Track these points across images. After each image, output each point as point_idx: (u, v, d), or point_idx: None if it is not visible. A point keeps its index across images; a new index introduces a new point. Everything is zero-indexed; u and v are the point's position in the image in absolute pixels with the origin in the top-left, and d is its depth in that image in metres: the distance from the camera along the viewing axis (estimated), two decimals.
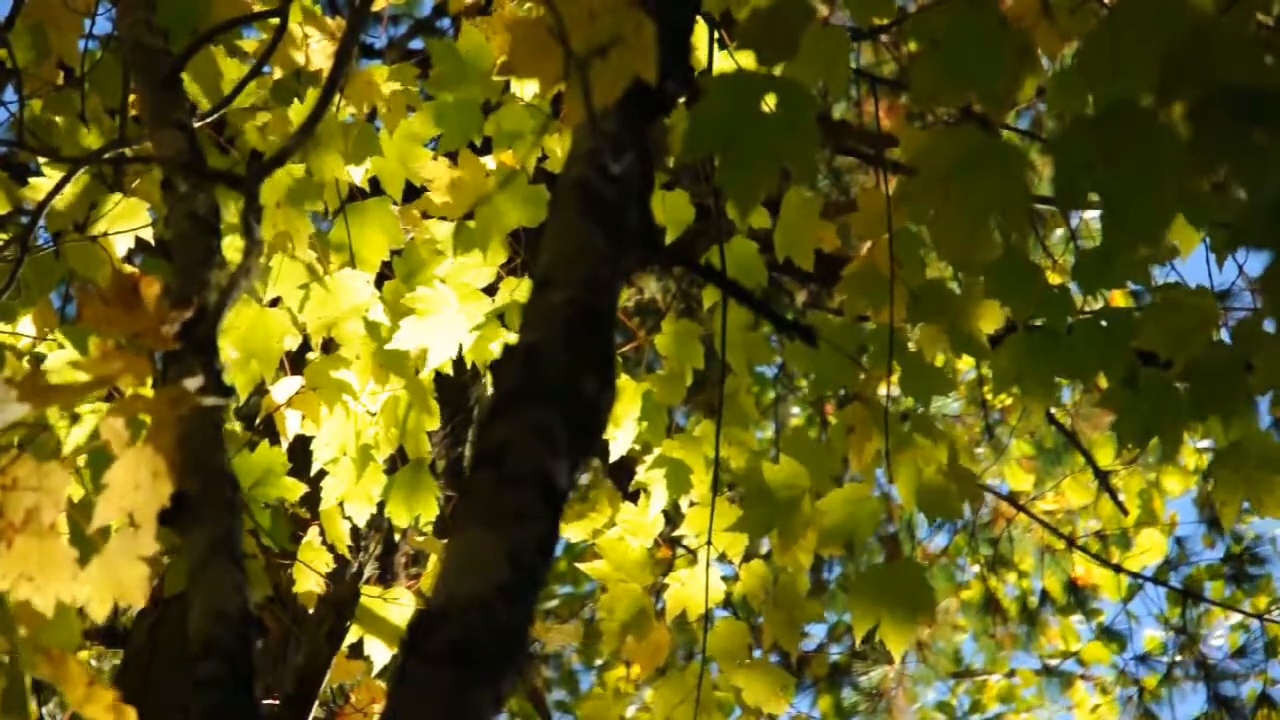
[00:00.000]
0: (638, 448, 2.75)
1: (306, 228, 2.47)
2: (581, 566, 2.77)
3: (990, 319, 2.41)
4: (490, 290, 2.62)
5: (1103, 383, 2.24)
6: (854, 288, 2.48)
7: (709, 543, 2.60)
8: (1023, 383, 2.25)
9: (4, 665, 1.37)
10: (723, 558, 2.65)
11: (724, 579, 2.68)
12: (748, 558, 2.70)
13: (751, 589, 2.70)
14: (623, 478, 3.95)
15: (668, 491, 2.70)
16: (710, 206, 2.65)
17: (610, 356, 1.12)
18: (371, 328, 2.52)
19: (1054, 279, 2.24)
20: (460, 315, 2.55)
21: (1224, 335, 2.12)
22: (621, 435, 2.72)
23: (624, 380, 2.73)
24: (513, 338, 2.58)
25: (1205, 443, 6.25)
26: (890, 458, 2.38)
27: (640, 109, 1.23)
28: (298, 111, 2.50)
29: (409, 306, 2.52)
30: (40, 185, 2.48)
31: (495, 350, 2.63)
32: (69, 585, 1.21)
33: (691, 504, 2.69)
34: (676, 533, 2.77)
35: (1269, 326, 1.99)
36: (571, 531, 2.71)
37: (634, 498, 2.74)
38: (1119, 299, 3.98)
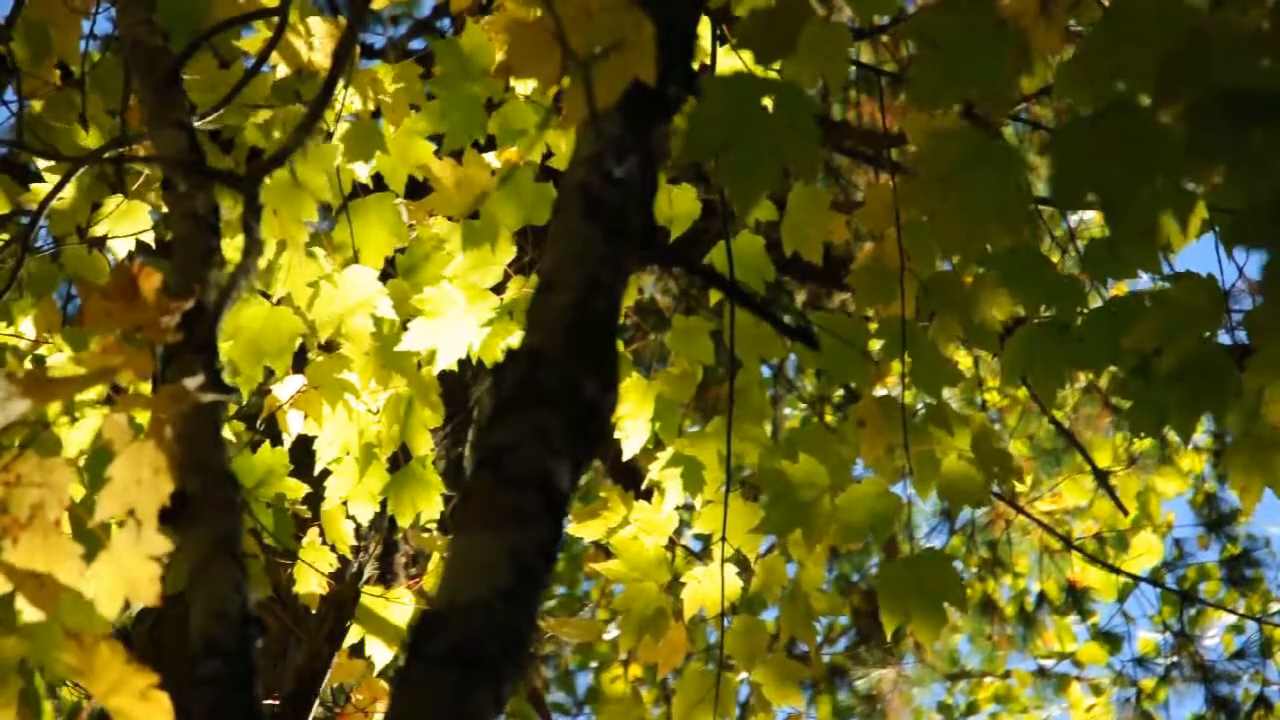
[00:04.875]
0: (649, 446, 2.74)
1: (302, 234, 2.47)
2: (596, 566, 2.76)
3: (1001, 309, 2.41)
4: (498, 289, 2.63)
5: (1103, 382, 2.24)
6: (863, 281, 2.47)
7: (723, 539, 2.59)
8: (1032, 374, 2.24)
9: (14, 666, 1.37)
10: (735, 556, 2.64)
11: (738, 575, 2.67)
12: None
13: (767, 585, 2.69)
14: (625, 477, 3.95)
15: (683, 489, 2.69)
16: (715, 203, 2.64)
17: (612, 360, 1.12)
18: (378, 324, 2.53)
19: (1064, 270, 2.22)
20: (469, 315, 2.55)
21: (1226, 332, 2.12)
22: (634, 435, 2.71)
23: (635, 379, 2.72)
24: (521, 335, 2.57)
25: (1200, 440, 6.27)
26: (907, 451, 2.37)
27: (643, 112, 1.23)
28: (297, 112, 2.50)
29: (417, 308, 2.52)
30: (41, 190, 2.48)
31: (504, 349, 2.63)
32: (75, 580, 1.21)
33: (707, 503, 2.68)
34: (679, 531, 2.76)
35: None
36: (585, 531, 2.70)
37: (645, 496, 2.74)
38: (1120, 290, 3.97)
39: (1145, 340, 2.01)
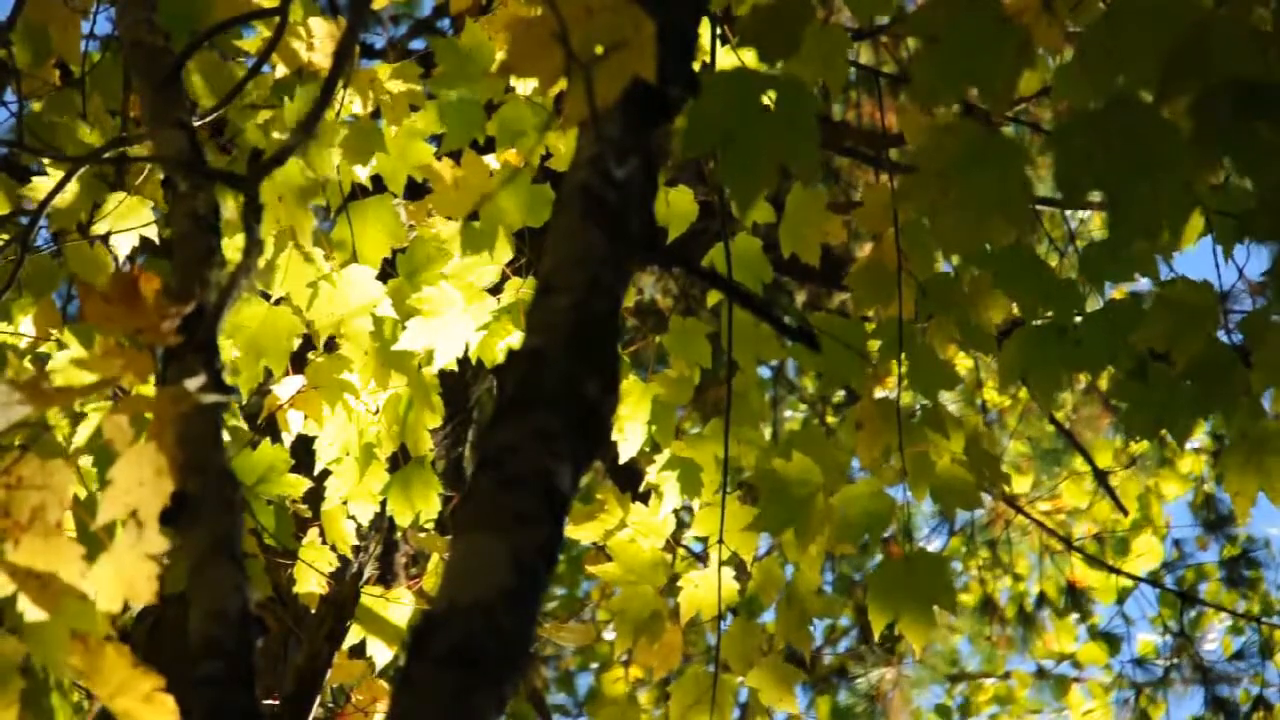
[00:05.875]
0: (646, 449, 2.74)
1: (310, 222, 2.47)
2: (592, 569, 2.76)
3: (999, 311, 2.41)
4: (496, 289, 2.63)
5: (1103, 383, 2.24)
6: (861, 282, 2.47)
7: (720, 542, 2.59)
8: (1029, 377, 2.24)
9: (15, 666, 1.37)
10: (732, 559, 2.64)
11: (735, 578, 2.67)
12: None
13: (764, 588, 2.69)
14: (624, 479, 3.95)
15: (680, 492, 2.68)
16: (713, 203, 2.65)
17: (614, 361, 1.12)
18: (378, 324, 2.52)
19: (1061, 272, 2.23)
20: (467, 315, 2.55)
21: (1224, 333, 2.12)
22: (631, 437, 2.71)
23: (632, 381, 2.72)
24: (520, 336, 2.57)
25: (1199, 442, 6.27)
26: (903, 453, 2.37)
27: (643, 113, 1.23)
28: (297, 110, 2.50)
29: (416, 307, 2.52)
30: (42, 186, 2.48)
31: (502, 349, 2.63)
32: (76, 582, 1.21)
33: (704, 505, 2.67)
34: (678, 534, 2.76)
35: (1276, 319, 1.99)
36: (582, 533, 2.70)
37: (642, 499, 2.73)
38: (1121, 294, 3.98)
39: (1154, 340, 2.02)
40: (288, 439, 2.69)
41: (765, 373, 6.37)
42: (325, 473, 2.69)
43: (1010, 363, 2.27)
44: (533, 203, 2.56)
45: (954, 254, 2.32)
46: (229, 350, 2.42)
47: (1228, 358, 2.04)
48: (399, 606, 2.88)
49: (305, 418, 2.66)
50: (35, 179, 2.52)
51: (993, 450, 2.49)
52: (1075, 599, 6.75)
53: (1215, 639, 6.56)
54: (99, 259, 2.53)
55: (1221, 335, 2.11)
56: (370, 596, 2.87)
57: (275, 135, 2.52)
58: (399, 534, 3.57)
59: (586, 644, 6.01)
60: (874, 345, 2.47)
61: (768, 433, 6.11)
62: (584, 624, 5.66)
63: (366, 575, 3.48)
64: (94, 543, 1.21)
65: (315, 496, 2.69)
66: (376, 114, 2.59)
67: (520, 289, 2.63)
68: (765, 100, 1.57)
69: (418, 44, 5.50)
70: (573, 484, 1.06)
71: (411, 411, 2.67)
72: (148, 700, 1.18)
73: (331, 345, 2.60)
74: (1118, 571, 5.03)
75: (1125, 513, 5.90)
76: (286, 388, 2.63)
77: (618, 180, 1.18)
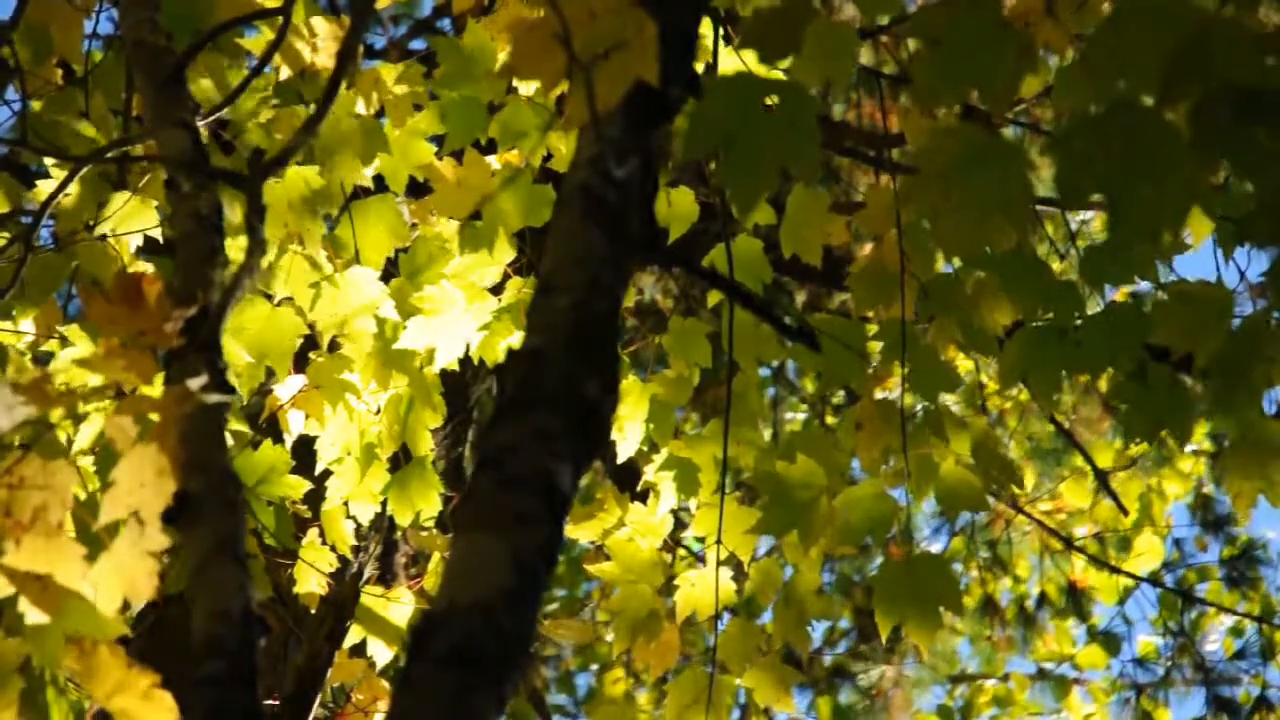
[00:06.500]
0: (644, 448, 2.75)
1: (319, 228, 2.47)
2: (590, 568, 2.76)
3: (1001, 313, 2.41)
4: (497, 289, 2.63)
5: (1103, 385, 2.24)
6: (862, 283, 2.47)
7: (719, 542, 2.59)
8: (1030, 378, 2.25)
9: (15, 667, 1.37)
10: (729, 559, 2.64)
11: (733, 579, 2.67)
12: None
13: (762, 588, 2.69)
14: (624, 479, 3.95)
15: (677, 492, 2.69)
16: (714, 204, 2.65)
17: (614, 360, 1.12)
18: (381, 325, 2.53)
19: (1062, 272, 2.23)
20: (468, 314, 2.55)
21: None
22: (630, 437, 2.71)
23: (631, 381, 2.72)
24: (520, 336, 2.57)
25: (1196, 446, 6.26)
26: (906, 455, 2.37)
27: (644, 114, 1.23)
28: (304, 112, 2.50)
29: (417, 306, 2.52)
30: (46, 188, 2.48)
31: (503, 348, 2.63)
32: (76, 582, 1.21)
33: (704, 505, 2.67)
34: (677, 534, 2.76)
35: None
36: (580, 533, 2.70)
37: (641, 498, 2.74)
38: (1122, 296, 3.98)
39: (1171, 338, 2.02)
40: (289, 439, 2.69)
41: (765, 373, 6.36)
42: (326, 473, 2.69)
43: (1011, 364, 2.27)
44: (533, 203, 2.57)
45: (955, 256, 2.32)
46: (240, 355, 2.43)
47: (1243, 353, 2.03)
48: (399, 606, 2.88)
49: (306, 418, 2.67)
50: (39, 183, 2.53)
51: (995, 451, 2.48)
52: (1076, 599, 6.75)
53: (1216, 639, 6.56)
54: (107, 255, 2.52)
55: None
56: (370, 596, 2.87)
57: (278, 136, 2.52)
58: (399, 534, 3.57)
59: (585, 643, 6.01)
60: (875, 346, 2.47)
61: (767, 433, 6.11)
62: (583, 623, 5.66)
63: (366, 575, 3.48)
64: (95, 543, 1.21)
65: (315, 497, 2.70)
66: (379, 114, 2.59)
67: (521, 289, 2.63)
68: (767, 102, 1.57)
69: (418, 44, 5.50)
70: (573, 484, 1.06)
71: (412, 411, 2.67)
72: (145, 698, 1.18)
73: (334, 345, 2.60)
74: (1119, 571, 5.02)
75: (1126, 513, 5.90)
76: (288, 388, 2.63)
77: (618, 180, 1.19)
